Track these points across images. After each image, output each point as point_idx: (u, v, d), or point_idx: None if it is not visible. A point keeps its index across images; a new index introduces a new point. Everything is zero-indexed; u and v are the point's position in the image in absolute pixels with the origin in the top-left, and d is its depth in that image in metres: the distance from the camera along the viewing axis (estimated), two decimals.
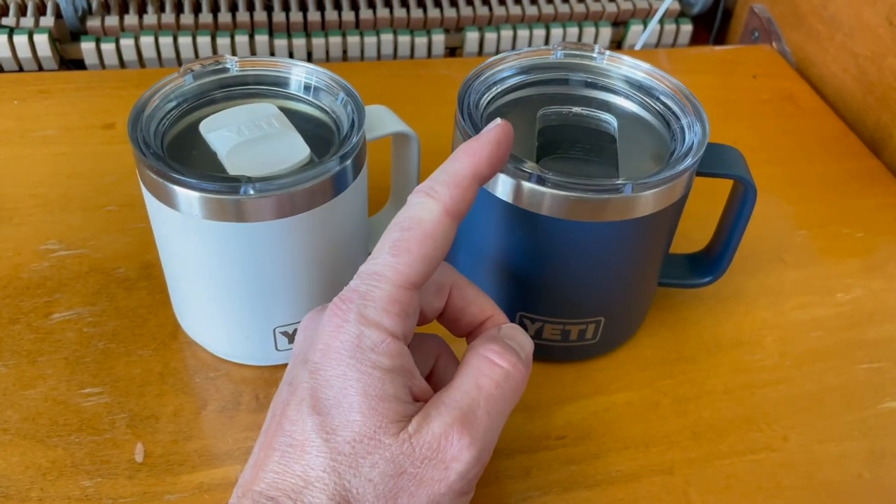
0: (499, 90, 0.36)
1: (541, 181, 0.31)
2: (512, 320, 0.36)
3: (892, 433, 0.37)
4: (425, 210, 0.26)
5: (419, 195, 0.27)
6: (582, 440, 0.35)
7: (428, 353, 0.31)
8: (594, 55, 0.38)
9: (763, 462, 0.35)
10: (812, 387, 0.39)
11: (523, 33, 0.66)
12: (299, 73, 0.36)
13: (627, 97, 0.37)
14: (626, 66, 0.37)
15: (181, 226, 0.32)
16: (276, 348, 0.36)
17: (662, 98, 0.36)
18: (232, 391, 0.36)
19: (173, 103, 0.34)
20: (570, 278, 0.34)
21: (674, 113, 0.35)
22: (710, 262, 0.40)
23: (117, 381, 0.36)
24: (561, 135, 0.35)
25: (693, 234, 0.41)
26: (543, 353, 0.38)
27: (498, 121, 0.28)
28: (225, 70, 0.36)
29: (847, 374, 0.39)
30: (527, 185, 0.31)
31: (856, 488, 0.34)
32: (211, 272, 0.33)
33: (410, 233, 0.26)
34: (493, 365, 0.27)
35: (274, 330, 0.35)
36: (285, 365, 0.36)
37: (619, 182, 0.31)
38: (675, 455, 0.35)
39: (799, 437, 0.36)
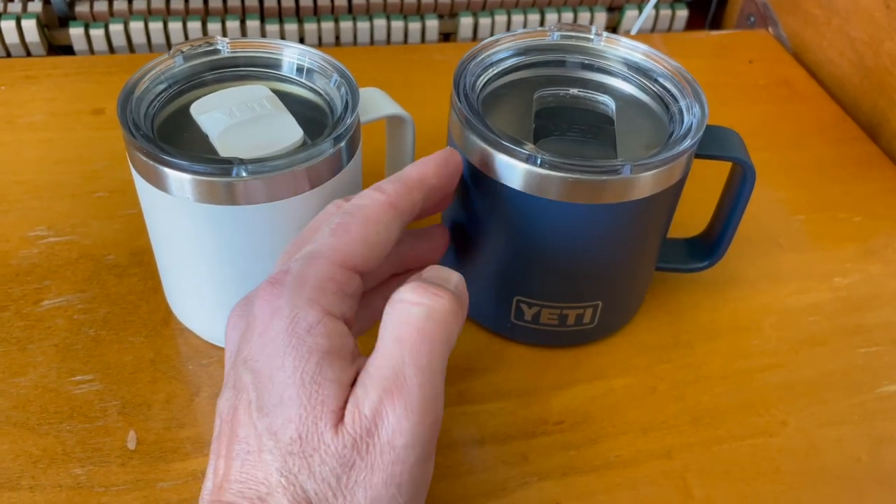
0: (495, 72, 0.36)
1: (538, 162, 0.30)
2: (509, 304, 0.36)
3: (891, 417, 0.36)
4: (369, 199, 0.27)
5: (366, 190, 0.28)
6: (580, 425, 0.35)
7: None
8: (591, 37, 0.37)
9: (762, 447, 0.35)
10: (810, 371, 0.38)
11: (517, 18, 0.66)
12: (292, 55, 0.35)
13: (625, 79, 0.37)
14: (624, 48, 0.37)
15: (172, 209, 0.31)
16: None
17: (660, 80, 0.36)
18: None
19: (163, 85, 0.34)
20: (568, 262, 0.33)
21: (672, 95, 0.35)
22: (709, 246, 0.39)
23: (109, 369, 0.35)
24: (558, 117, 0.34)
25: (690, 220, 0.41)
26: (541, 339, 0.37)
27: (448, 149, 0.31)
28: (216, 52, 0.35)
29: (845, 359, 0.39)
30: (524, 166, 0.31)
31: (855, 472, 0.34)
32: (203, 256, 0.32)
33: (351, 216, 0.26)
34: (410, 306, 0.24)
35: None
36: None
37: (617, 163, 0.30)
38: (674, 440, 0.35)
39: (797, 422, 0.36)
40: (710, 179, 0.39)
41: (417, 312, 0.24)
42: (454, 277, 0.27)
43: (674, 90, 0.35)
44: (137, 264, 0.40)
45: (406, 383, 0.23)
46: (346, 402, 0.24)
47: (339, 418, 0.23)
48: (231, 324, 0.27)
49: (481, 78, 0.35)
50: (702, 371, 0.38)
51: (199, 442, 0.33)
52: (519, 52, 0.37)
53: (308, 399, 0.23)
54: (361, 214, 0.26)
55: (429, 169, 0.29)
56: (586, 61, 0.37)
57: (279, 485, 0.23)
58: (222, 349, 0.37)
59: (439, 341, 0.24)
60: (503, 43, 0.36)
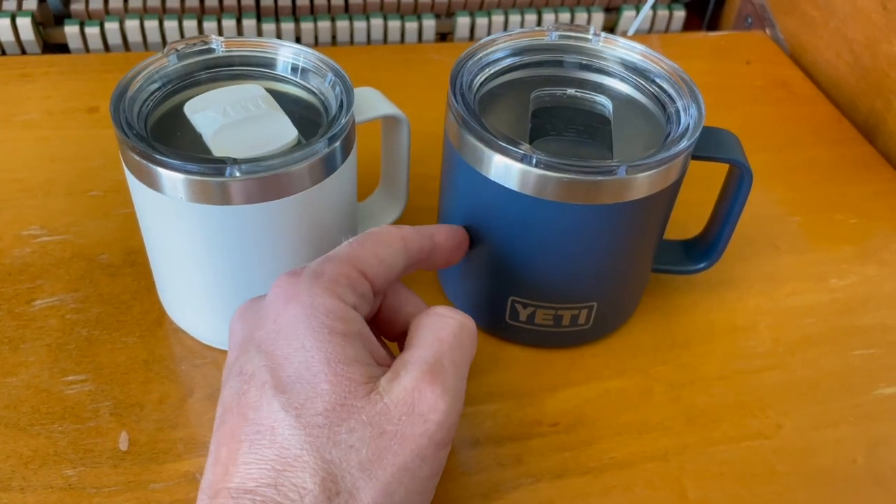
0: (492, 71, 0.36)
1: (533, 162, 0.30)
2: (503, 305, 0.36)
3: (887, 419, 0.36)
4: (385, 228, 0.30)
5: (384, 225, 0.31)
6: (574, 427, 0.35)
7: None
8: (589, 37, 0.37)
9: (757, 448, 0.35)
10: (806, 373, 0.38)
11: (515, 18, 0.65)
12: (286, 54, 0.35)
13: (623, 80, 0.37)
14: (622, 49, 0.37)
15: (165, 209, 0.31)
16: None
17: (658, 80, 0.35)
18: (218, 378, 0.35)
19: (157, 84, 0.33)
20: (563, 262, 0.33)
21: (669, 95, 0.35)
22: (705, 247, 0.39)
23: (101, 369, 0.35)
24: (555, 116, 0.34)
25: (687, 222, 0.41)
26: (536, 339, 0.37)
27: (459, 227, 0.34)
28: (210, 51, 0.35)
29: (841, 361, 0.39)
30: (519, 166, 0.30)
31: (850, 474, 0.34)
32: (196, 257, 0.32)
33: (367, 236, 0.29)
34: (447, 318, 0.28)
35: None
36: None
37: (612, 164, 0.30)
38: (669, 441, 0.35)
39: (793, 424, 0.36)
40: (707, 181, 0.39)
41: (452, 323, 0.28)
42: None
43: (671, 91, 0.35)
44: (131, 264, 0.40)
45: (444, 371, 0.26)
46: (370, 379, 0.25)
47: (368, 392, 0.24)
48: (237, 317, 0.28)
49: (478, 77, 0.35)
50: (698, 372, 0.38)
51: (192, 443, 0.33)
52: (516, 52, 0.37)
53: (336, 375, 0.24)
54: (376, 236, 0.29)
55: (440, 230, 0.32)
56: (584, 61, 0.37)
57: (298, 459, 0.23)
58: (216, 350, 0.36)
59: (468, 351, 0.28)
60: (500, 42, 0.36)
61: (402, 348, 0.31)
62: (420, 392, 0.25)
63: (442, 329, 0.27)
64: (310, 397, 0.24)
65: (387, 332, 0.31)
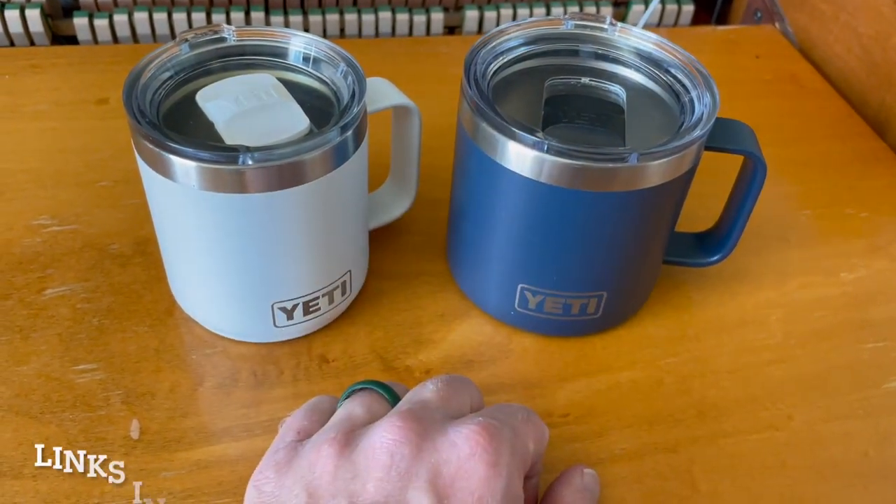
0: (506, 60, 0.36)
1: (545, 149, 0.30)
2: (513, 292, 0.36)
3: None
4: (534, 422, 0.29)
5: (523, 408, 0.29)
6: (585, 418, 0.35)
7: None
8: (605, 26, 0.37)
9: (767, 441, 0.35)
10: (816, 366, 0.38)
11: (523, 12, 0.65)
12: (298, 44, 0.35)
13: (638, 69, 0.36)
14: (637, 38, 0.37)
15: (177, 197, 0.31)
16: (274, 324, 0.35)
17: (672, 70, 0.35)
18: (229, 368, 0.35)
19: (169, 73, 0.33)
20: (573, 250, 0.33)
21: (683, 85, 0.35)
22: (718, 240, 0.39)
23: (112, 358, 0.35)
24: (568, 105, 0.34)
25: (699, 215, 0.41)
26: (544, 327, 0.37)
27: None
28: (222, 40, 0.35)
29: (851, 354, 0.39)
30: (531, 152, 0.30)
31: (861, 467, 0.34)
32: (208, 245, 0.32)
33: (533, 422, 0.29)
34: None
35: (272, 305, 0.34)
36: (283, 342, 0.36)
37: (624, 151, 0.30)
38: (679, 433, 0.35)
39: (803, 416, 0.36)
40: (720, 174, 0.38)
41: None
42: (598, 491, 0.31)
43: (685, 80, 0.35)
44: (141, 254, 0.40)
45: None
46: None
47: None
48: (409, 426, 0.26)
49: (492, 65, 0.35)
50: (708, 365, 0.38)
51: (203, 431, 0.33)
52: (530, 41, 0.36)
53: None
54: (537, 423, 0.29)
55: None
56: (599, 51, 0.37)
57: None
58: (227, 339, 0.36)
59: None
60: (515, 31, 0.36)
61: None
62: None
63: None
64: None
65: None
